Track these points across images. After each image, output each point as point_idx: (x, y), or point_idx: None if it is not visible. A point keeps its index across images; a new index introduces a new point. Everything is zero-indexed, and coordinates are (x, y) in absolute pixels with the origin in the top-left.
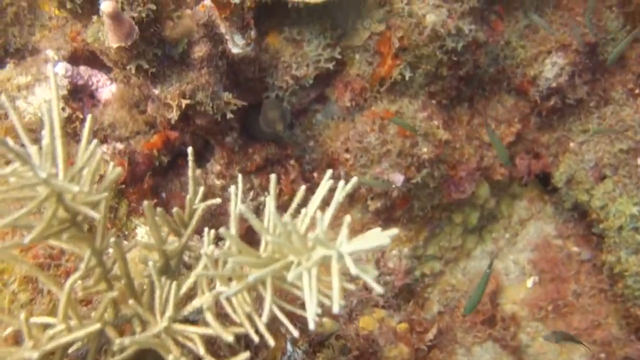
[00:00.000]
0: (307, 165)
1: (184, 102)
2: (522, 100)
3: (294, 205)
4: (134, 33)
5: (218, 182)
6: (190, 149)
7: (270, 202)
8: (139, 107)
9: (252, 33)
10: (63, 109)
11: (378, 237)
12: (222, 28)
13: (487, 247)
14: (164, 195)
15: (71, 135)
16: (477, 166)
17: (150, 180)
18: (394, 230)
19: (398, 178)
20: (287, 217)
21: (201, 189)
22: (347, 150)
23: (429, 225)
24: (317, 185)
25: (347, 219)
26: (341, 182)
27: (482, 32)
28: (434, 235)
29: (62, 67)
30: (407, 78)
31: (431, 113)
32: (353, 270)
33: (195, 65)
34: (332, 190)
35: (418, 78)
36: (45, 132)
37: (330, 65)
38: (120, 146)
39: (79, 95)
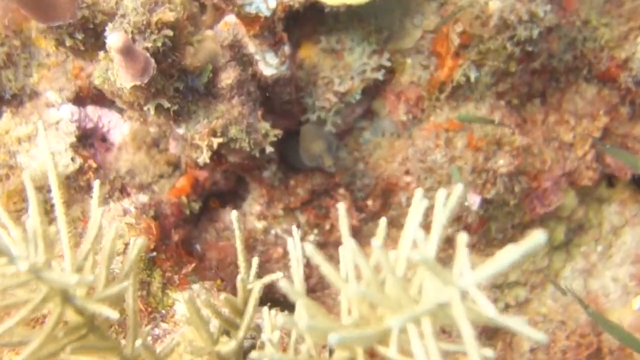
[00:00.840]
0: (359, 193)
1: (216, 141)
2: (607, 89)
3: (378, 240)
4: (150, 68)
5: (259, 225)
6: (234, 215)
7: (376, 247)
8: (158, 147)
9: (286, 49)
10: (73, 159)
11: (512, 251)
12: (251, 47)
13: (578, 264)
14: (198, 247)
15: (85, 189)
16: (562, 173)
17: (180, 232)
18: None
19: (473, 200)
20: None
21: (255, 262)
22: (407, 173)
23: None
24: (373, 215)
25: (464, 237)
26: (441, 194)
27: (552, 13)
28: None
29: (68, 111)
30: (472, 79)
31: (502, 117)
32: (492, 313)
33: (225, 96)
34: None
35: (484, 77)
36: (30, 209)
37: (379, 75)
38: (143, 199)
39: (89, 141)
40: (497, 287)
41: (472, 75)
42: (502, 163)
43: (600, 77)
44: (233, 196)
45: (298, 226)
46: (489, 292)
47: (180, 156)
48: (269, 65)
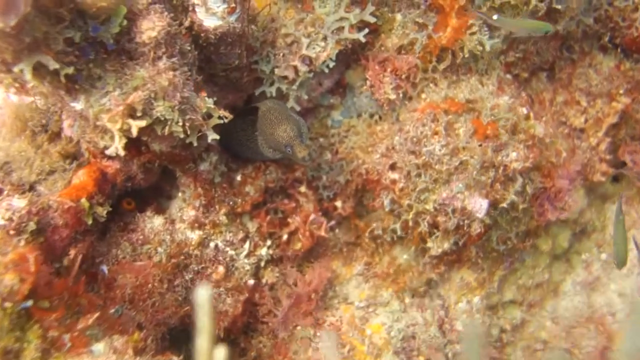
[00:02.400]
0: (325, 192)
1: (135, 124)
2: (631, 61)
3: None
4: (19, 3)
5: (193, 235)
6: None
7: None
8: (47, 130)
9: None
10: None
11: None
12: None
13: (579, 276)
14: (105, 269)
15: None
16: (579, 167)
17: (78, 248)
18: None
19: (480, 205)
20: None
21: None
22: (393, 167)
23: (506, 259)
24: (342, 220)
25: None
26: None
27: None
28: (512, 272)
29: None
30: (488, 47)
31: (513, 95)
32: None
33: (147, 55)
34: None
35: (493, 43)
36: None
37: (361, 36)
38: (19, 204)
39: None
40: (491, 309)
41: (488, 43)
42: (515, 157)
43: (627, 45)
44: (156, 194)
45: (246, 236)
46: (482, 316)
47: (80, 141)
48: (211, 14)
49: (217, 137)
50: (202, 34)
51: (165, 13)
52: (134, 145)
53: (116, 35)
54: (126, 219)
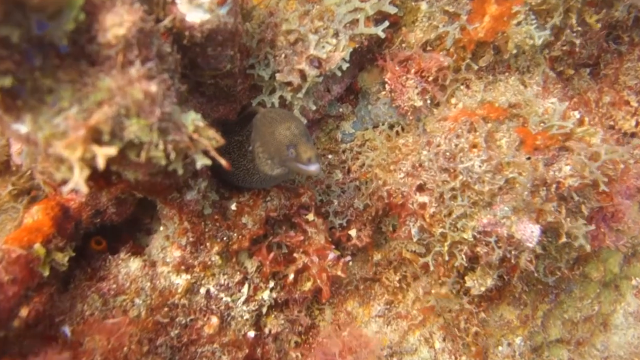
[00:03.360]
0: (337, 219)
1: (101, 152)
2: None
3: None
4: None
5: (179, 281)
6: None
7: None
8: None
9: None
10: None
11: None
12: None
13: (631, 306)
14: (67, 330)
15: None
16: (638, 183)
17: (32, 306)
18: None
19: (531, 232)
20: None
21: None
22: (421, 189)
23: (551, 291)
24: (358, 252)
25: None
26: None
27: None
28: (557, 305)
29: None
30: (538, 40)
31: (561, 97)
32: None
33: (113, 60)
34: None
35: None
36: None
37: (380, 30)
38: None
39: None
40: (535, 350)
41: (537, 36)
42: (570, 171)
43: None
44: (132, 229)
45: (244, 278)
46: None
47: (32, 172)
48: (196, 6)
49: (209, 162)
50: (186, 32)
51: (137, 5)
52: (101, 175)
53: (71, 34)
54: (95, 263)
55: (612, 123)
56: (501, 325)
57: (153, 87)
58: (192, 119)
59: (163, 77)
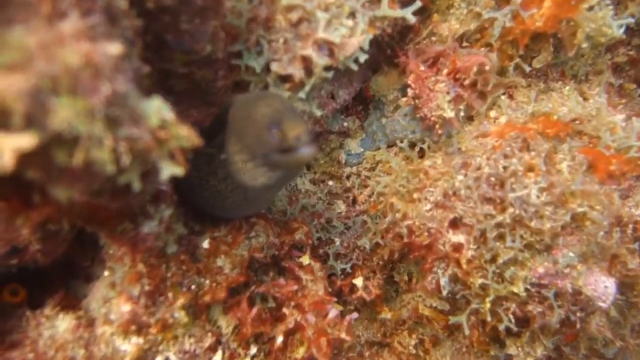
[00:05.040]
0: (338, 263)
1: (9, 144)
2: None
3: None
4: None
5: (128, 347)
6: None
7: None
8: None
9: None
10: None
11: None
12: None
13: None
14: None
15: None
16: None
17: None
18: None
19: (604, 287)
20: None
21: None
22: (455, 225)
23: None
24: (363, 305)
25: None
26: None
27: None
28: None
29: None
30: (617, 32)
31: (631, 115)
32: None
33: (33, 6)
34: None
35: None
36: None
37: (409, 13)
38: None
39: None
40: None
41: (617, 25)
42: None
43: None
44: (65, 275)
45: (217, 342)
46: None
47: None
48: None
49: (180, 171)
50: None
51: None
52: (15, 190)
53: None
54: (7, 321)
55: None
56: None
57: (98, 52)
58: (157, 108)
59: (115, 43)
